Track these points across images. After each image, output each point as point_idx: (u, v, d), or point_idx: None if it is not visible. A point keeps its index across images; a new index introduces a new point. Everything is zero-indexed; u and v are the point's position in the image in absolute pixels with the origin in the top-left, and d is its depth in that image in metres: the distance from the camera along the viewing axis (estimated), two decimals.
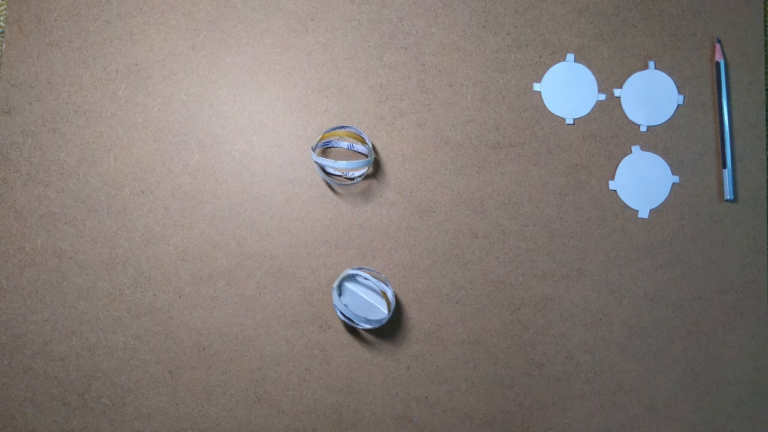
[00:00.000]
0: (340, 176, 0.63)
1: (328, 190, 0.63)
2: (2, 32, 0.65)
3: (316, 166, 0.62)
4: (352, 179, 0.62)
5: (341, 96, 0.63)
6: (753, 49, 0.64)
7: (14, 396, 0.61)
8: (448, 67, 0.64)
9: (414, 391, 0.61)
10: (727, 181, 0.62)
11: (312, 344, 0.61)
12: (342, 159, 0.63)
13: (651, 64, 0.64)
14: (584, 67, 0.64)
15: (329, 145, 0.63)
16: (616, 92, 0.64)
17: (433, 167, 0.63)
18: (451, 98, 0.64)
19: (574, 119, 0.64)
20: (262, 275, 0.62)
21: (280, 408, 0.61)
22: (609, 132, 0.64)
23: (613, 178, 0.63)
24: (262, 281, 0.62)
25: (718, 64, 0.63)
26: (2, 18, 0.65)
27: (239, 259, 0.62)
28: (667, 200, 0.63)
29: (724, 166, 0.63)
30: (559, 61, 0.64)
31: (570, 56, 0.64)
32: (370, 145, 0.62)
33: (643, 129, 0.64)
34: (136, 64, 0.63)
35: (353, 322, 0.59)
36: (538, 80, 0.64)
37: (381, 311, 0.60)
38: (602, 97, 0.64)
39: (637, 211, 0.63)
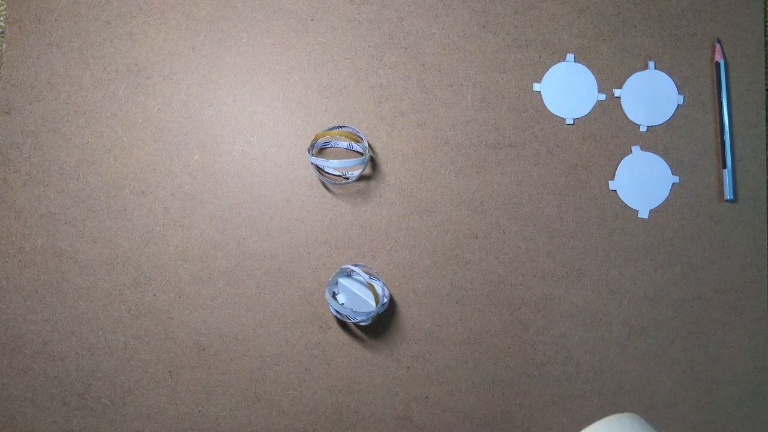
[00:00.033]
0: (339, 176, 0.63)
1: (327, 190, 0.63)
2: (2, 32, 0.65)
3: (313, 167, 0.62)
4: (348, 179, 0.62)
5: (341, 96, 0.63)
6: (753, 49, 0.64)
7: (14, 396, 0.61)
8: (448, 67, 0.64)
9: (414, 391, 0.61)
10: (727, 181, 0.62)
11: (312, 344, 0.61)
12: (341, 159, 0.63)
13: (651, 64, 0.64)
14: (584, 67, 0.64)
15: (328, 146, 0.63)
16: (616, 92, 0.64)
17: (433, 167, 0.63)
18: (451, 98, 0.64)
19: (574, 119, 0.64)
20: (262, 275, 0.62)
21: (280, 408, 0.61)
22: (609, 132, 0.64)
23: (613, 178, 0.63)
24: (262, 281, 0.62)
25: (718, 64, 0.63)
26: (2, 18, 0.65)
27: (239, 259, 0.62)
28: (667, 200, 0.63)
29: (724, 166, 0.63)
30: (559, 61, 0.64)
31: (570, 56, 0.64)
32: (366, 144, 0.62)
33: (643, 129, 0.64)
34: (136, 64, 0.63)
35: (345, 316, 0.59)
36: (538, 80, 0.64)
37: (371, 305, 0.60)
38: (602, 97, 0.64)
39: (637, 211, 0.63)
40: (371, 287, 0.58)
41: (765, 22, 0.65)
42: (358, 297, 0.60)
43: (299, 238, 0.62)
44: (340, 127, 0.63)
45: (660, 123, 0.64)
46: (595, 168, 0.63)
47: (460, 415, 0.61)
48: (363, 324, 0.60)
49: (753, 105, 0.64)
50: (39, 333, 0.61)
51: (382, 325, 0.62)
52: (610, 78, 0.64)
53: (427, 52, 0.64)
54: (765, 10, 0.65)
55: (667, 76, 0.64)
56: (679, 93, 0.64)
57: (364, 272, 0.60)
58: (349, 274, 0.61)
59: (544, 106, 0.64)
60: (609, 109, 0.64)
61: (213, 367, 0.61)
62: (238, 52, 0.64)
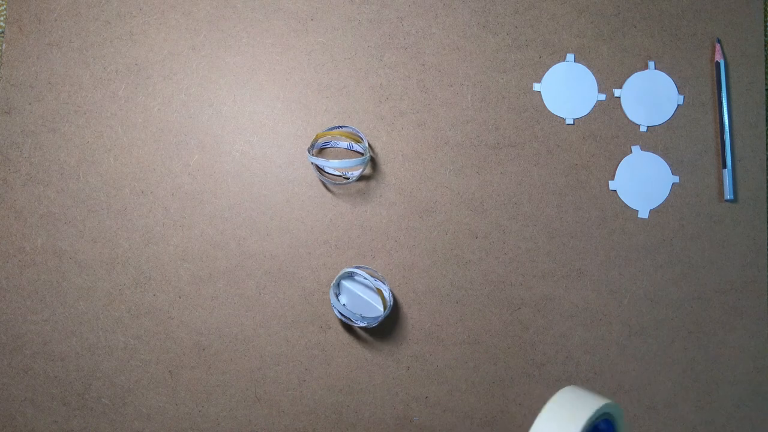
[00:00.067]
0: (339, 176, 0.63)
1: (327, 190, 0.63)
2: (2, 32, 0.65)
3: (313, 167, 0.62)
4: (349, 179, 0.62)
5: (341, 96, 0.63)
6: (753, 49, 0.64)
7: (14, 396, 0.61)
8: (448, 67, 0.64)
9: (414, 391, 0.61)
10: (727, 181, 0.62)
11: (312, 344, 0.61)
12: (341, 159, 0.63)
13: (651, 64, 0.64)
14: (584, 67, 0.64)
15: (328, 146, 0.63)
16: (616, 92, 0.64)
17: (433, 167, 0.63)
18: (451, 98, 0.64)
19: (574, 119, 0.64)
20: (262, 275, 0.62)
21: (280, 408, 0.61)
22: (609, 132, 0.64)
23: (613, 178, 0.63)
24: (262, 281, 0.62)
25: (718, 64, 0.63)
26: (2, 18, 0.65)
27: (239, 259, 0.62)
28: (667, 200, 0.63)
29: (724, 166, 0.63)
30: (559, 61, 0.64)
31: (570, 56, 0.64)
32: (366, 144, 0.62)
33: (643, 129, 0.64)
34: (136, 64, 0.63)
35: (350, 320, 0.59)
36: (538, 80, 0.64)
37: (377, 309, 0.60)
38: (602, 97, 0.64)
39: (637, 211, 0.63)
40: (379, 292, 0.58)
41: (765, 22, 0.65)
42: (362, 299, 0.60)
43: (299, 238, 0.62)
44: (341, 127, 0.63)
45: (660, 123, 0.64)
46: (595, 168, 0.63)
47: (460, 415, 0.61)
48: (368, 327, 0.60)
49: (753, 105, 0.64)
50: (39, 333, 0.61)
51: (382, 325, 0.62)
52: (610, 78, 0.64)
53: (427, 52, 0.64)
54: (765, 10, 0.65)
55: (667, 76, 0.64)
56: (679, 93, 0.64)
57: (369, 275, 0.60)
58: (351, 276, 0.61)
59: (544, 106, 0.64)
60: (609, 109, 0.64)
61: (213, 367, 0.61)
62: (238, 52, 0.64)
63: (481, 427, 0.61)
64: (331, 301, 0.58)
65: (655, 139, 0.64)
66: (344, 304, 0.60)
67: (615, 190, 0.63)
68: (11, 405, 0.61)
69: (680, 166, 0.63)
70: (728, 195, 0.62)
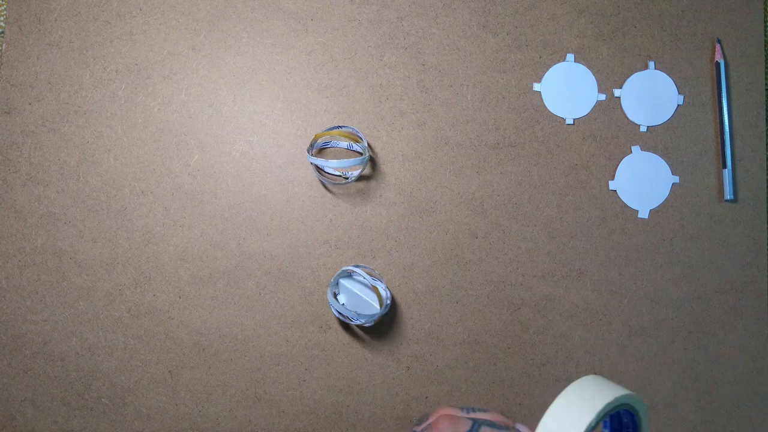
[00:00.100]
0: (338, 176, 0.63)
1: (327, 190, 0.63)
2: (2, 32, 0.65)
3: (312, 167, 0.62)
4: (348, 178, 0.62)
5: (341, 96, 0.63)
6: (753, 49, 0.64)
7: (14, 396, 0.61)
8: (448, 67, 0.64)
9: (414, 391, 0.61)
10: (727, 181, 0.62)
11: (312, 344, 0.61)
12: (342, 159, 0.63)
13: (651, 64, 0.64)
14: (584, 67, 0.64)
15: (328, 146, 0.63)
16: (616, 92, 0.64)
17: (433, 167, 0.63)
18: (451, 98, 0.64)
19: (574, 119, 0.64)
20: (262, 275, 0.62)
21: (280, 408, 0.61)
22: (609, 132, 0.64)
23: (613, 178, 0.63)
24: (262, 281, 0.62)
25: (718, 64, 0.63)
26: (2, 18, 0.65)
27: (239, 259, 0.62)
28: (667, 200, 0.63)
29: (724, 166, 0.63)
30: (559, 61, 0.64)
31: (570, 56, 0.64)
32: (365, 144, 0.62)
33: (643, 129, 0.64)
34: (136, 64, 0.63)
35: (348, 318, 0.59)
36: (538, 80, 0.64)
37: (375, 307, 0.60)
38: (602, 97, 0.64)
39: (637, 211, 0.63)
40: (375, 289, 0.58)
41: (765, 22, 0.65)
42: (360, 298, 0.60)
43: (299, 238, 0.62)
44: (340, 127, 0.63)
45: (660, 123, 0.64)
46: (595, 168, 0.63)
47: None
48: (365, 326, 0.60)
49: (753, 105, 0.64)
50: (39, 333, 0.61)
51: (382, 325, 0.62)
52: (610, 78, 0.64)
53: (427, 52, 0.64)
54: (765, 10, 0.65)
55: (667, 76, 0.64)
56: (679, 93, 0.64)
57: (367, 273, 0.60)
58: (350, 275, 0.61)
59: (544, 106, 0.64)
60: (609, 109, 0.64)
61: (213, 367, 0.61)
62: (238, 52, 0.64)
63: None
64: (329, 300, 0.58)
65: (655, 139, 0.64)
66: (343, 303, 0.60)
67: (615, 190, 0.63)
68: (11, 405, 0.61)
69: (680, 166, 0.63)
70: (728, 195, 0.62)
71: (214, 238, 0.62)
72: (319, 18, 0.64)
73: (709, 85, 0.64)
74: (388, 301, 0.60)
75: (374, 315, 0.58)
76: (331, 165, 0.58)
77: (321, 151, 0.64)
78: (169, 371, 0.61)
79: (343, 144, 0.63)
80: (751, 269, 0.63)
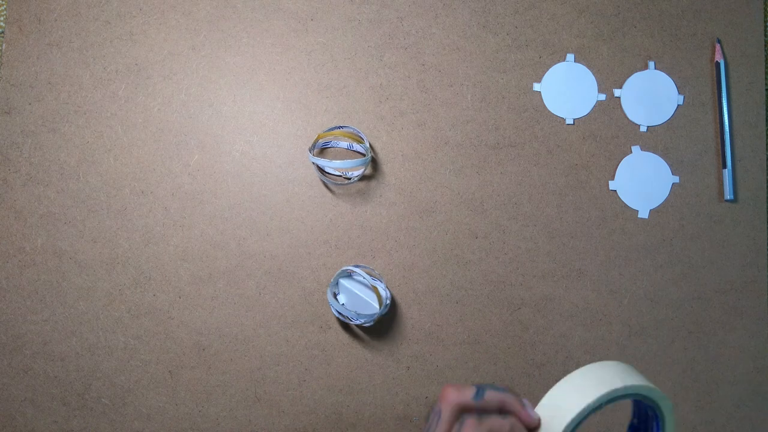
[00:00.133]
0: (339, 176, 0.63)
1: (328, 190, 0.63)
2: (2, 32, 0.65)
3: (314, 167, 0.62)
4: (350, 179, 0.62)
5: (341, 96, 0.63)
6: (753, 49, 0.64)
7: (14, 396, 0.61)
8: (448, 67, 0.64)
9: (414, 391, 0.61)
10: (727, 181, 0.62)
11: (312, 344, 0.61)
12: (342, 159, 0.63)
13: (651, 64, 0.64)
14: (584, 67, 0.64)
15: (329, 146, 0.63)
16: (616, 92, 0.64)
17: (433, 167, 0.63)
18: (451, 98, 0.64)
19: (574, 119, 0.64)
20: (262, 275, 0.62)
21: (280, 408, 0.61)
22: (609, 132, 0.64)
23: (613, 178, 0.63)
24: (262, 281, 0.62)
25: (718, 64, 0.63)
26: (2, 18, 0.65)
27: (239, 259, 0.62)
28: (667, 200, 0.63)
29: (724, 166, 0.63)
30: (559, 61, 0.64)
31: (570, 56, 0.64)
32: (367, 144, 0.62)
33: (643, 129, 0.64)
34: (136, 64, 0.63)
35: (347, 318, 0.59)
36: (538, 80, 0.64)
37: (374, 307, 0.60)
38: (602, 97, 0.64)
39: (637, 211, 0.63)
40: (375, 289, 0.58)
41: (765, 22, 0.65)
42: (359, 298, 0.60)
43: (299, 238, 0.62)
44: (342, 127, 0.63)
45: (660, 123, 0.64)
46: (595, 168, 0.63)
47: None
48: (365, 325, 0.60)
49: (753, 105, 0.64)
50: (39, 333, 0.61)
51: (382, 325, 0.62)
52: (610, 78, 0.64)
53: (427, 52, 0.64)
54: (765, 10, 0.65)
55: (667, 76, 0.64)
56: (679, 93, 0.64)
57: (366, 273, 0.60)
58: (349, 275, 0.61)
59: (544, 106, 0.64)
60: (609, 109, 0.64)
61: (213, 367, 0.61)
62: (238, 52, 0.64)
63: None
64: (329, 300, 0.58)
65: (655, 139, 0.64)
66: (343, 303, 0.60)
67: (615, 190, 0.63)
68: (11, 405, 0.61)
69: (680, 166, 0.63)
70: (728, 195, 0.62)
71: (214, 238, 0.62)
72: (319, 18, 0.64)
73: (709, 85, 0.64)
74: (388, 301, 0.60)
75: (374, 315, 0.58)
76: (333, 165, 0.58)
77: (322, 151, 0.64)
78: (169, 371, 0.61)
79: (344, 144, 0.63)
80: (751, 269, 0.63)
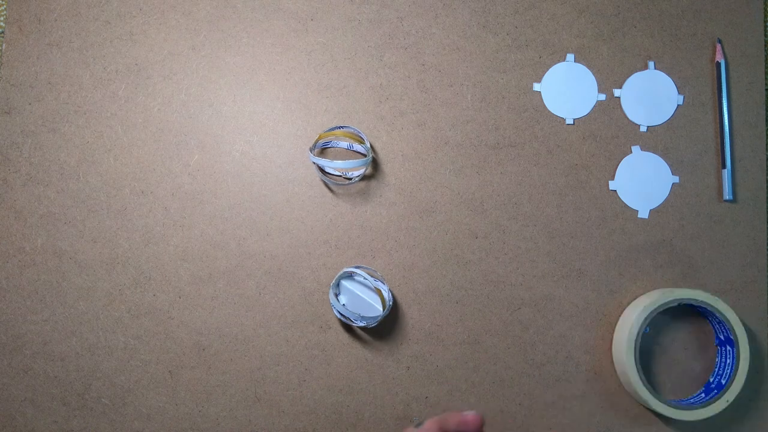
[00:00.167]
0: (340, 176, 0.63)
1: (328, 190, 0.63)
2: (2, 32, 0.65)
3: (315, 167, 0.62)
4: (350, 179, 0.62)
5: (341, 96, 0.63)
6: (753, 49, 0.64)
7: (14, 396, 0.61)
8: (448, 67, 0.64)
9: (414, 391, 0.61)
10: (726, 181, 0.62)
11: (312, 344, 0.61)
12: (341, 159, 0.63)
13: (651, 64, 0.64)
14: (584, 67, 0.64)
15: (329, 146, 0.63)
16: (616, 92, 0.64)
17: (433, 167, 0.63)
18: (451, 98, 0.64)
19: (574, 119, 0.64)
20: (262, 275, 0.62)
21: (280, 408, 0.61)
22: (609, 132, 0.64)
23: (613, 178, 0.63)
24: (262, 281, 0.62)
25: (718, 64, 0.63)
26: (2, 18, 0.65)
27: (239, 259, 0.62)
28: (667, 200, 0.63)
29: (724, 166, 0.63)
30: (559, 61, 0.64)
31: (570, 56, 0.64)
32: (368, 145, 0.62)
33: (643, 129, 0.64)
34: (136, 64, 0.63)
35: (349, 320, 0.59)
36: (538, 80, 0.64)
37: (377, 309, 0.60)
38: (602, 97, 0.64)
39: (637, 211, 0.63)
40: (378, 291, 0.58)
41: (765, 22, 0.65)
42: (361, 299, 0.60)
43: (299, 238, 0.62)
44: (342, 127, 0.63)
45: (660, 123, 0.64)
46: (595, 168, 0.63)
47: None
48: (367, 327, 0.60)
49: (753, 105, 0.64)
50: (39, 333, 0.61)
51: (382, 325, 0.62)
52: (610, 78, 0.64)
53: (427, 52, 0.64)
54: (765, 10, 0.65)
55: (667, 76, 0.64)
56: (679, 93, 0.64)
57: (369, 275, 0.60)
58: (351, 276, 0.61)
59: (544, 106, 0.64)
60: (609, 109, 0.64)
61: (213, 367, 0.61)
62: (238, 52, 0.64)
63: None
64: (331, 301, 0.58)
65: (655, 139, 0.64)
66: (344, 304, 0.60)
67: (615, 190, 0.63)
68: (11, 405, 0.61)
69: (680, 166, 0.63)
70: (728, 195, 0.62)
71: (214, 238, 0.62)
72: (319, 18, 0.64)
73: (709, 85, 0.64)
74: (390, 303, 0.60)
75: (377, 317, 0.58)
76: (334, 165, 0.58)
77: (322, 151, 0.64)
78: (169, 371, 0.61)
79: (344, 144, 0.63)
80: (751, 269, 0.63)
